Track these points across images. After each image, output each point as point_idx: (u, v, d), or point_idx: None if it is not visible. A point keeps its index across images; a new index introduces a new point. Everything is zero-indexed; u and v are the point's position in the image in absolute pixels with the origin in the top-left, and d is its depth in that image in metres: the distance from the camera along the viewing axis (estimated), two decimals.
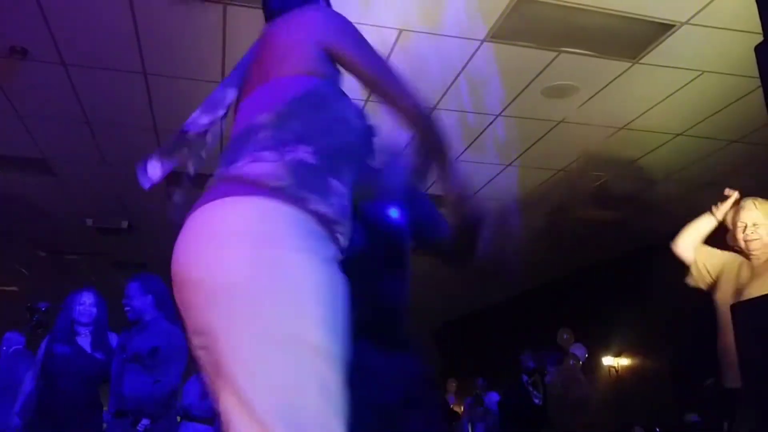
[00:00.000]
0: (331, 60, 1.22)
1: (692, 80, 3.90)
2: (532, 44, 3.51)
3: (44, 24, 3.29)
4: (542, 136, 4.59)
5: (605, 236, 6.13)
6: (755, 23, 2.03)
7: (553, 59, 3.65)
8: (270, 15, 1.38)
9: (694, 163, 5.02)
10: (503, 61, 3.66)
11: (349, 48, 1.24)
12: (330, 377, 0.96)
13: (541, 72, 3.78)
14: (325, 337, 0.97)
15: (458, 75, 3.79)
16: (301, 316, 0.96)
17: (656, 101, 4.14)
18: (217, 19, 3.28)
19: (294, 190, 1.03)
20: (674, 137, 4.62)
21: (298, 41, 1.22)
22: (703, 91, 4.02)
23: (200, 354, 1.03)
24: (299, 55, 1.20)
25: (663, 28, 3.39)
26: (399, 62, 3.60)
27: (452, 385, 8.72)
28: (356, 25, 1.29)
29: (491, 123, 4.39)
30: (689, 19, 3.31)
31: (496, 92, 4.02)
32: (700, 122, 4.41)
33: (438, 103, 4.10)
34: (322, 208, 1.05)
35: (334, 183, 1.09)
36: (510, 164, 5.06)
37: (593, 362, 6.95)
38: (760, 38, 1.97)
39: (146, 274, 3.35)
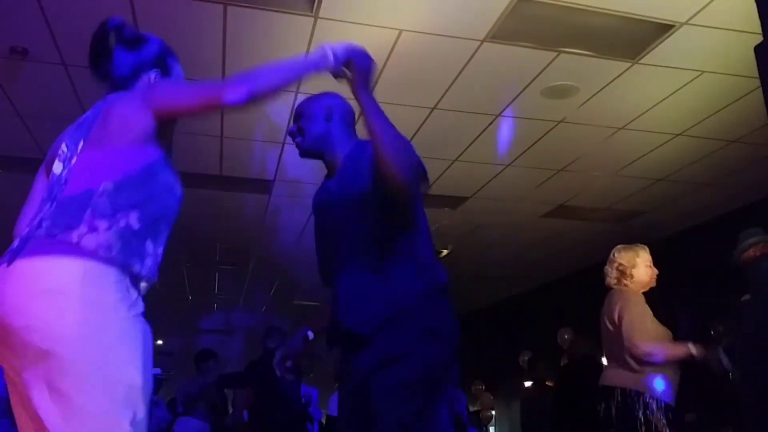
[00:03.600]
0: (160, 129, 1.43)
1: (692, 80, 3.90)
2: (532, 44, 3.52)
3: (44, 24, 3.29)
4: (542, 136, 4.59)
5: (606, 237, 6.12)
6: (755, 23, 2.04)
7: (553, 59, 3.65)
8: (113, 86, 1.68)
9: (694, 163, 5.02)
10: (503, 61, 3.66)
11: (164, 98, 1.45)
12: (140, 408, 1.23)
13: (541, 72, 3.78)
14: (137, 376, 1.24)
15: (458, 75, 3.79)
16: (120, 363, 1.22)
17: (656, 101, 4.14)
18: (217, 19, 3.28)
19: (121, 257, 1.30)
20: (674, 137, 4.62)
21: (130, 115, 1.44)
22: (703, 91, 4.02)
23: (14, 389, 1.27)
24: (133, 127, 1.41)
25: (663, 28, 3.39)
26: (399, 62, 3.62)
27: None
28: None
29: (491, 123, 4.39)
30: (689, 19, 3.31)
31: (496, 92, 4.03)
32: (700, 122, 4.41)
33: (438, 103, 4.10)
34: (137, 268, 1.33)
35: (150, 246, 1.36)
36: (510, 164, 5.07)
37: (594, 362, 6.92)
38: (760, 38, 1.98)
39: None
